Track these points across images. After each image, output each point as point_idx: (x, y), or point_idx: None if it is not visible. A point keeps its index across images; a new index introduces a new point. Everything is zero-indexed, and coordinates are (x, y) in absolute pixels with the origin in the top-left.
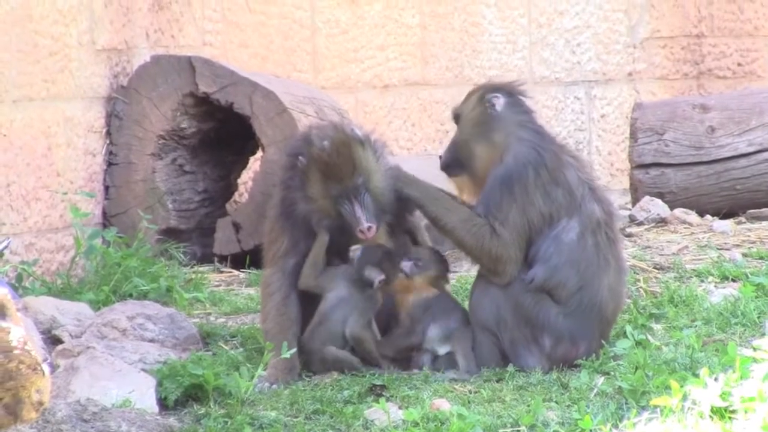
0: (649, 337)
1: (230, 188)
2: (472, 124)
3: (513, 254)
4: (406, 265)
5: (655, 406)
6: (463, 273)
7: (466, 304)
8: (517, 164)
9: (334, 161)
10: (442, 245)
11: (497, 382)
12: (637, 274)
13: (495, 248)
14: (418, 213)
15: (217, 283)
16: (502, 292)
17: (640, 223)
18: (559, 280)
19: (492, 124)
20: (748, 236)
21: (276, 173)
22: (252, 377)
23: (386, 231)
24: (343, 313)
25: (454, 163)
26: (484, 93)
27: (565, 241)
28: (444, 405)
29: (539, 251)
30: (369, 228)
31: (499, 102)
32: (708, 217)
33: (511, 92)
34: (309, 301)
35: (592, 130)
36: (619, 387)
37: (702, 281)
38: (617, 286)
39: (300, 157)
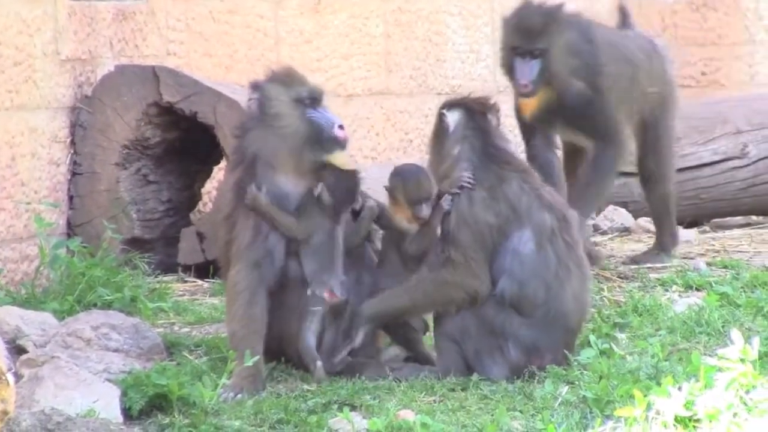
0: (614, 347)
1: (194, 198)
2: (432, 137)
3: (477, 273)
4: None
5: (620, 416)
6: None
7: (430, 319)
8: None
9: (292, 70)
10: None
11: (462, 391)
12: (601, 283)
13: (460, 279)
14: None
15: (181, 293)
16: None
17: (604, 233)
18: (526, 293)
19: (443, 140)
20: (712, 245)
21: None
22: (216, 387)
23: None
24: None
25: None
26: (441, 107)
27: (525, 253)
28: (409, 415)
29: (502, 265)
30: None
31: (453, 119)
32: None
33: (468, 108)
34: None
35: None
36: (584, 396)
37: (666, 290)
38: (581, 294)
39: (254, 93)
